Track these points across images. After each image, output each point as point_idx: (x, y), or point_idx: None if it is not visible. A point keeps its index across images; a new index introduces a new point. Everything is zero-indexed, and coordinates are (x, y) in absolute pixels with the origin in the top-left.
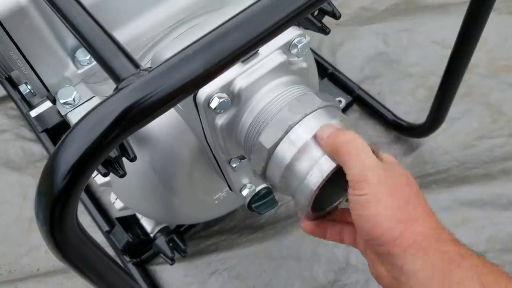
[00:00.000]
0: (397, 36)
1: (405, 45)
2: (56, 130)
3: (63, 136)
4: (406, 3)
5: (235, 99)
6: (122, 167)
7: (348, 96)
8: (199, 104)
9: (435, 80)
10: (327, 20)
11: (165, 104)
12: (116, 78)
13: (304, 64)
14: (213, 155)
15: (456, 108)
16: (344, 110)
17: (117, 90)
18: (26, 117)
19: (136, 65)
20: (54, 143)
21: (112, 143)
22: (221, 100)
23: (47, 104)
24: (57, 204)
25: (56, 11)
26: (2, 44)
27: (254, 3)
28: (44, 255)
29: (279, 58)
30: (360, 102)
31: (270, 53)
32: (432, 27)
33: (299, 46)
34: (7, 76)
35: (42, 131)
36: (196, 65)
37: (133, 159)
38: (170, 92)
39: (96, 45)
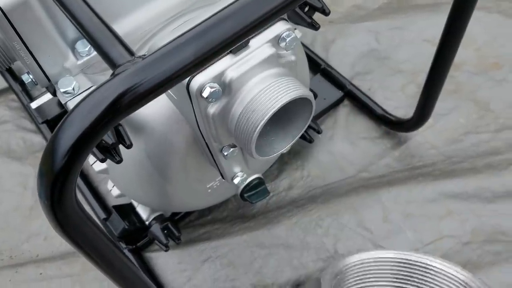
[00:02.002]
0: (389, 34)
1: (396, 42)
2: (56, 122)
3: (63, 119)
4: (398, 2)
5: (227, 89)
6: (118, 153)
7: (340, 92)
8: (192, 93)
9: (425, 77)
10: (321, 18)
11: (158, 89)
12: (113, 64)
13: (292, 57)
14: (206, 143)
15: (444, 104)
16: (336, 105)
17: (113, 75)
18: (27, 108)
19: (132, 53)
20: None
21: (108, 124)
22: (212, 89)
23: (47, 96)
24: (57, 180)
25: (58, 3)
26: (6, 35)
27: None
28: (43, 242)
29: (268, 50)
30: (351, 97)
31: (260, 46)
32: (423, 26)
33: (288, 39)
34: (8, 67)
35: (42, 122)
36: (188, 53)
37: (129, 146)
38: (163, 78)
39: (94, 34)
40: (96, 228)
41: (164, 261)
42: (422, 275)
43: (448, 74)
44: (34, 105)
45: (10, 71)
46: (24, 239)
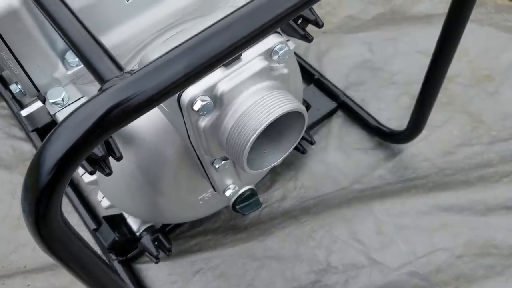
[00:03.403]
0: (382, 45)
1: (390, 53)
2: (46, 130)
3: (49, 133)
4: (392, 13)
5: (218, 102)
6: (108, 166)
7: (333, 102)
8: (183, 106)
9: (418, 88)
10: (314, 29)
11: (146, 105)
12: (101, 79)
13: (285, 70)
14: (197, 156)
15: (437, 116)
16: (329, 115)
17: (101, 90)
18: (17, 116)
19: (120, 68)
20: None
21: (95, 140)
22: (204, 102)
23: (38, 104)
24: (42, 197)
25: (46, 15)
26: None
27: (235, 10)
28: (31, 253)
29: (260, 63)
30: (344, 108)
31: (252, 59)
32: (416, 37)
33: (280, 53)
34: None
35: (32, 131)
36: (177, 68)
37: (119, 158)
38: (150, 94)
39: (83, 48)
40: (83, 244)
41: (154, 272)
42: None
43: (441, 86)
44: (24, 113)
45: (0, 78)
46: (11, 249)
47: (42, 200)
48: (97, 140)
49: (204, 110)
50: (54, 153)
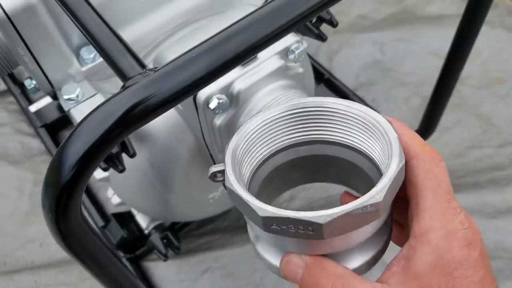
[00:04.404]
0: (394, 45)
1: (401, 54)
2: (55, 126)
3: (72, 130)
4: (404, 13)
5: (234, 100)
6: (122, 163)
7: None
8: (198, 104)
9: (429, 90)
10: (326, 27)
11: (169, 103)
12: (123, 76)
13: (300, 69)
14: (210, 155)
15: (448, 118)
16: None
17: (124, 88)
18: (25, 112)
19: (142, 65)
20: (52, 138)
21: (117, 137)
22: (220, 101)
23: (47, 100)
24: (63, 194)
25: (66, 10)
26: (10, 39)
27: (255, 10)
28: (39, 249)
29: (276, 62)
30: None
31: (268, 58)
32: (428, 38)
33: (296, 52)
34: (10, 72)
35: (41, 126)
36: (199, 67)
37: (133, 155)
38: (174, 91)
39: (105, 45)
40: (100, 242)
41: (162, 271)
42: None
43: (453, 89)
44: (33, 108)
45: (10, 73)
46: (19, 245)
47: (63, 197)
48: (120, 136)
49: (220, 108)
50: (76, 150)
